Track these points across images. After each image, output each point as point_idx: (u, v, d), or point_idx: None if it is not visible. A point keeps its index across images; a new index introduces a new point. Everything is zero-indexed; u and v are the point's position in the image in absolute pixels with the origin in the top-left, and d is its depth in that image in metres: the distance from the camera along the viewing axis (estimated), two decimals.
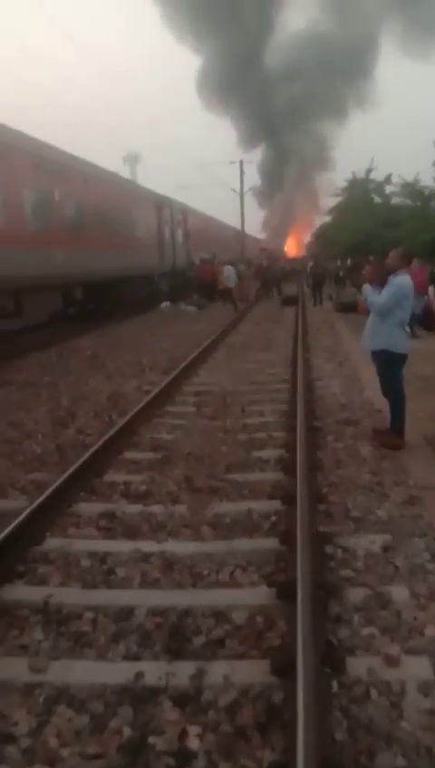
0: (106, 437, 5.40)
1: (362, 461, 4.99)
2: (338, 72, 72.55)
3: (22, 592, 3.19)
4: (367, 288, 5.53)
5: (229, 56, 73.92)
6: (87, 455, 4.93)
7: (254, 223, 76.49)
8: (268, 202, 79.48)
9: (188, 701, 2.37)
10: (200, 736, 2.18)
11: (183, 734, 2.19)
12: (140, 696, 2.40)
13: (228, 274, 20.35)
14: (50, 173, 12.66)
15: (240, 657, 2.63)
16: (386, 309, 5.25)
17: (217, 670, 2.51)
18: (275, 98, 75.12)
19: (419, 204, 25.95)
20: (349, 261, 25.55)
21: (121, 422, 5.94)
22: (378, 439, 5.44)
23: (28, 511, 3.81)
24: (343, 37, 71.00)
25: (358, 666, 2.50)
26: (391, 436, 5.38)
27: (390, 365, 5.46)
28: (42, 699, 2.40)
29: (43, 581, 3.31)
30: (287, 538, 3.51)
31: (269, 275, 26.54)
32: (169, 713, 2.30)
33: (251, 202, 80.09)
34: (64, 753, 2.14)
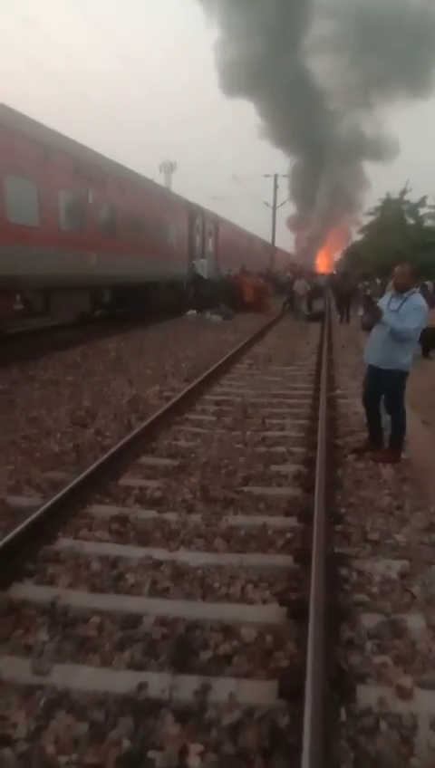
0: (124, 441, 5.37)
1: (382, 483, 4.89)
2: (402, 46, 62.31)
3: (30, 592, 3.15)
4: (385, 310, 5.26)
5: (261, 23, 62.86)
6: (104, 457, 4.90)
7: (285, 237, 75.97)
8: (301, 206, 73.54)
9: (190, 717, 2.30)
10: (201, 755, 2.11)
11: (184, 751, 2.12)
12: (142, 708, 2.34)
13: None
14: (87, 175, 12.78)
15: (247, 675, 2.55)
16: (417, 334, 5.16)
17: (223, 687, 2.44)
18: (314, 74, 65.43)
19: None
20: (378, 280, 25.37)
21: (140, 426, 5.92)
22: (374, 457, 5.44)
23: (42, 509, 3.78)
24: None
25: (369, 695, 2.41)
26: (389, 451, 5.45)
27: (398, 383, 5.41)
28: (42, 702, 2.36)
29: (51, 582, 3.27)
30: (302, 556, 3.43)
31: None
32: (170, 727, 2.24)
33: (284, 216, 79.45)
34: (62, 760, 2.08)
